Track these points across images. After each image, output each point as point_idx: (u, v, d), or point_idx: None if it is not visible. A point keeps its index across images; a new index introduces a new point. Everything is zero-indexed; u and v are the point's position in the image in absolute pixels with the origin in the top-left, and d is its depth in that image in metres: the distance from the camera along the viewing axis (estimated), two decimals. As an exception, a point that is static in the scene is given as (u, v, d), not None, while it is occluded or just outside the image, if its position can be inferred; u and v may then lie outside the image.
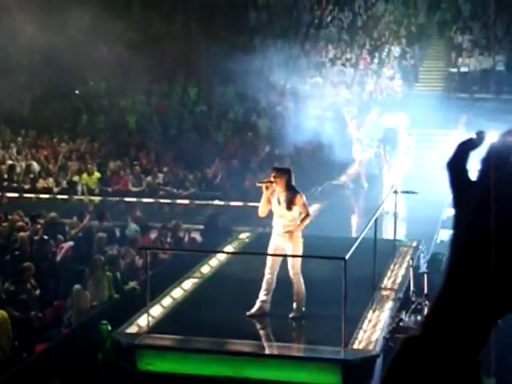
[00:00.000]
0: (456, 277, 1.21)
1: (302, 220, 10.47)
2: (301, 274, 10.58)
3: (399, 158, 18.16)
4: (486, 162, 1.21)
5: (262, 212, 10.56)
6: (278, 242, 10.56)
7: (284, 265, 10.67)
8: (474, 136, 1.26)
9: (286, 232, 10.44)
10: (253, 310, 10.65)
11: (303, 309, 10.68)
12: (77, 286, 13.05)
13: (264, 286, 10.63)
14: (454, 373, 1.16)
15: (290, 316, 10.63)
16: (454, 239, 1.23)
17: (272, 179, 10.40)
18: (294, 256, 10.56)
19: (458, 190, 1.24)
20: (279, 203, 10.39)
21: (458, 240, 1.22)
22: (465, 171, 1.24)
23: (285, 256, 10.68)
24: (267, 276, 10.58)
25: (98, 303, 13.22)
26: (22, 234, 15.46)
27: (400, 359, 1.20)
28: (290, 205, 10.34)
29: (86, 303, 13.00)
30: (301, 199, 10.40)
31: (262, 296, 10.68)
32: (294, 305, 10.65)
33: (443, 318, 1.19)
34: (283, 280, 10.67)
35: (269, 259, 10.62)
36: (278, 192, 10.40)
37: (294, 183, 10.57)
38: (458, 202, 1.24)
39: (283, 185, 10.37)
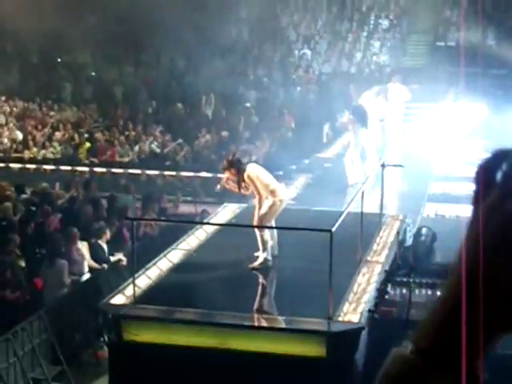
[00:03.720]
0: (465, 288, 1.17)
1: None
2: (263, 232, 10.89)
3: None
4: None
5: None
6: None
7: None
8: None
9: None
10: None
11: (269, 257, 10.97)
12: (48, 261, 12.87)
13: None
14: None
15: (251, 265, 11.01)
16: (467, 241, 1.21)
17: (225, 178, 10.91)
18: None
19: (483, 195, 1.23)
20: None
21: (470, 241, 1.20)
22: (495, 178, 1.23)
23: (273, 228, 10.97)
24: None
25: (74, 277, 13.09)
26: (7, 203, 15.37)
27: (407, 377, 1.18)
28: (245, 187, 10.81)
29: (58, 277, 12.84)
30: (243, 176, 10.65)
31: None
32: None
33: (450, 332, 1.17)
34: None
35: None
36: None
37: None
38: (477, 203, 1.23)
39: (238, 176, 10.70)
